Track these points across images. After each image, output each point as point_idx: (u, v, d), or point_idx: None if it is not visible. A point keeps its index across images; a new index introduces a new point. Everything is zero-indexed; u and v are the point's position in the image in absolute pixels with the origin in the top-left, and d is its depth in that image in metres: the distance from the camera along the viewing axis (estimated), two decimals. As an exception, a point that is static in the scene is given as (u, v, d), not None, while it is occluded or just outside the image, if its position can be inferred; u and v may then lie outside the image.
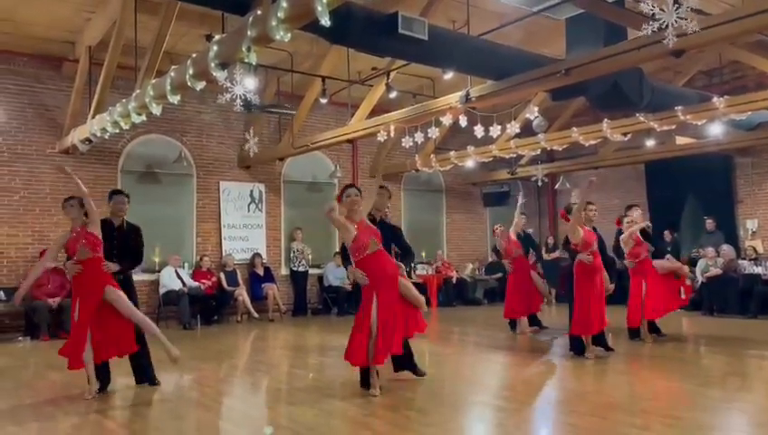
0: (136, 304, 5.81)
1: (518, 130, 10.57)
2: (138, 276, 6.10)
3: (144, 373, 5.91)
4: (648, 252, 8.24)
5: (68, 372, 5.58)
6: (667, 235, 11.92)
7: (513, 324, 9.34)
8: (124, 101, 7.95)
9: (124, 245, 5.86)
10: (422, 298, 5.66)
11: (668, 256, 8.62)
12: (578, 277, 7.10)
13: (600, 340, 7.21)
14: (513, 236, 9.38)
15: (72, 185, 5.56)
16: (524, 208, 9.81)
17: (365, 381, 5.38)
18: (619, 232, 8.37)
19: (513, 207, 15.37)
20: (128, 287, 5.78)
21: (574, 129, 10.74)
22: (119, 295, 5.48)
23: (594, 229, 7.39)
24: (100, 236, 5.51)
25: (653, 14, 5.20)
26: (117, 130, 8.64)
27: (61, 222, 10.08)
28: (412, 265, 5.89)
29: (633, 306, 8.11)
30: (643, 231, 8.27)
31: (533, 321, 9.62)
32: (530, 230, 10.40)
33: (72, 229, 5.54)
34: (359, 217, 5.32)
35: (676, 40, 5.27)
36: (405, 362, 5.85)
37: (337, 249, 13.17)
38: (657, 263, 8.41)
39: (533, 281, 9.31)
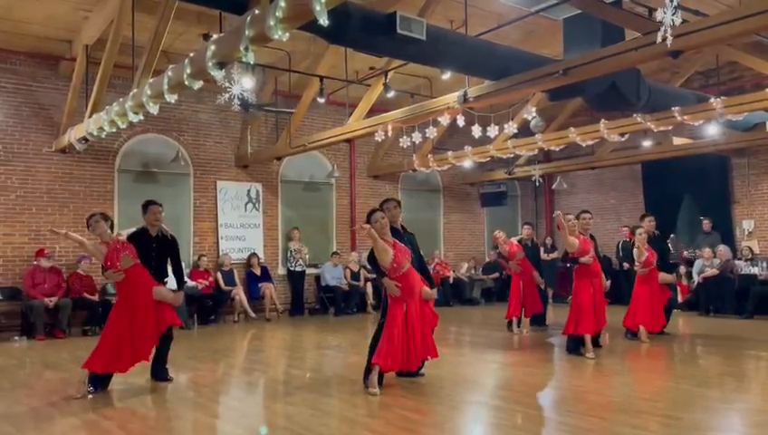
0: None
1: (515, 131, 10.57)
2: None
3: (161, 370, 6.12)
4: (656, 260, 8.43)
5: (64, 371, 5.57)
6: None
7: (510, 324, 9.39)
8: (121, 100, 7.92)
9: (160, 254, 6.00)
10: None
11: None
12: (577, 280, 7.35)
13: (593, 339, 7.31)
14: (514, 241, 9.66)
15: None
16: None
17: (380, 380, 5.54)
18: (625, 243, 8.56)
19: (510, 207, 15.57)
20: None
21: (572, 129, 10.74)
22: (160, 288, 5.81)
23: (592, 237, 7.58)
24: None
25: (659, 21, 5.20)
26: (114, 130, 8.60)
27: (57, 221, 10.09)
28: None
29: (640, 311, 8.18)
30: (650, 238, 8.44)
31: (535, 320, 9.67)
32: (535, 240, 10.66)
33: (104, 243, 5.64)
34: (390, 238, 5.60)
35: (672, 40, 5.28)
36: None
37: (335, 249, 13.18)
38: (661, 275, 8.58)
39: (534, 278, 9.49)
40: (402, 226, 6.17)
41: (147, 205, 6.09)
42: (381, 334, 5.52)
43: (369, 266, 6.14)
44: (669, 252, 11.95)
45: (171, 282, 6.25)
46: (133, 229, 6.08)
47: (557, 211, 7.35)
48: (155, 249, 5.96)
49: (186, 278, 6.41)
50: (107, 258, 5.59)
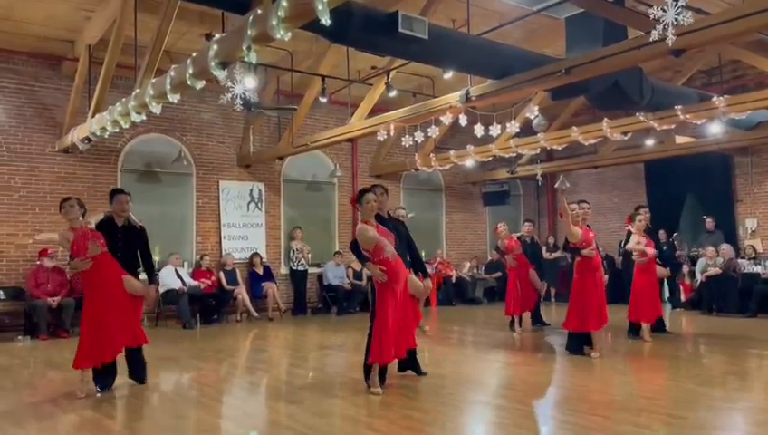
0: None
1: (518, 130, 10.56)
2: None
3: (139, 370, 5.94)
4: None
5: (67, 371, 5.58)
6: (662, 235, 11.94)
7: (512, 323, 9.37)
8: (124, 100, 7.94)
9: (128, 244, 5.88)
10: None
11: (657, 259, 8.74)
12: (578, 274, 7.21)
13: (590, 339, 7.18)
14: (514, 236, 9.66)
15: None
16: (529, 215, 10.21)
17: (383, 378, 5.46)
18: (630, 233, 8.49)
19: (512, 206, 15.57)
20: None
21: (574, 128, 10.73)
22: (130, 278, 5.66)
23: (588, 227, 7.48)
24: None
25: (657, 18, 5.18)
26: (116, 129, 8.63)
27: (61, 221, 10.05)
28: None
29: (642, 305, 8.12)
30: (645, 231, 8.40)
31: (536, 319, 9.67)
32: (536, 238, 10.62)
33: (71, 229, 5.55)
34: (374, 221, 5.47)
35: (675, 39, 5.27)
36: (409, 362, 5.93)
37: (337, 248, 13.19)
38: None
39: (530, 277, 9.44)
40: (389, 213, 6.08)
41: (113, 193, 6.00)
42: (373, 332, 5.42)
43: (353, 254, 5.95)
44: (674, 248, 11.96)
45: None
46: (100, 217, 5.97)
47: (562, 179, 7.21)
48: (121, 239, 5.81)
49: (156, 272, 6.23)
50: (74, 245, 5.47)
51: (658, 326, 8.47)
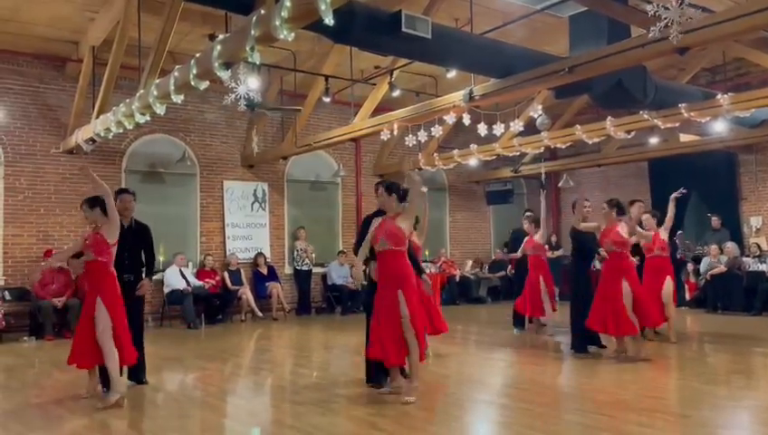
0: (142, 307, 6.07)
1: (521, 128, 10.55)
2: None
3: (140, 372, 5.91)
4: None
5: (73, 371, 5.58)
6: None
7: (522, 323, 9.29)
8: (128, 100, 7.95)
9: (133, 244, 5.87)
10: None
11: None
12: (607, 273, 6.84)
13: (594, 338, 7.15)
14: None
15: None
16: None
17: (384, 377, 5.42)
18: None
19: (516, 204, 15.55)
20: (134, 290, 5.81)
21: (578, 126, 10.71)
22: (104, 316, 5.22)
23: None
24: (112, 240, 5.32)
25: (657, 15, 5.17)
26: (120, 130, 8.64)
27: (65, 222, 10.16)
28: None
29: (651, 305, 8.01)
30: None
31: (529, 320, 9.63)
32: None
33: (91, 229, 5.48)
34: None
35: (681, 37, 5.26)
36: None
37: (341, 248, 13.19)
38: None
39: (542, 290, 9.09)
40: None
41: (118, 193, 5.93)
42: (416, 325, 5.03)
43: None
44: (677, 247, 11.91)
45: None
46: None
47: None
48: (128, 240, 5.72)
49: (155, 263, 6.15)
50: (84, 247, 5.35)
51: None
